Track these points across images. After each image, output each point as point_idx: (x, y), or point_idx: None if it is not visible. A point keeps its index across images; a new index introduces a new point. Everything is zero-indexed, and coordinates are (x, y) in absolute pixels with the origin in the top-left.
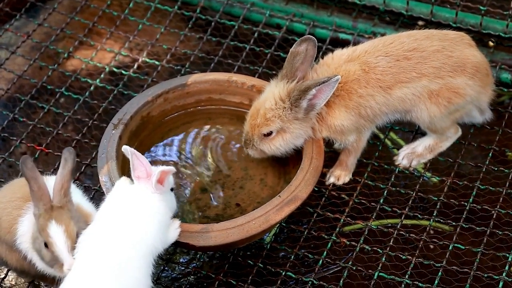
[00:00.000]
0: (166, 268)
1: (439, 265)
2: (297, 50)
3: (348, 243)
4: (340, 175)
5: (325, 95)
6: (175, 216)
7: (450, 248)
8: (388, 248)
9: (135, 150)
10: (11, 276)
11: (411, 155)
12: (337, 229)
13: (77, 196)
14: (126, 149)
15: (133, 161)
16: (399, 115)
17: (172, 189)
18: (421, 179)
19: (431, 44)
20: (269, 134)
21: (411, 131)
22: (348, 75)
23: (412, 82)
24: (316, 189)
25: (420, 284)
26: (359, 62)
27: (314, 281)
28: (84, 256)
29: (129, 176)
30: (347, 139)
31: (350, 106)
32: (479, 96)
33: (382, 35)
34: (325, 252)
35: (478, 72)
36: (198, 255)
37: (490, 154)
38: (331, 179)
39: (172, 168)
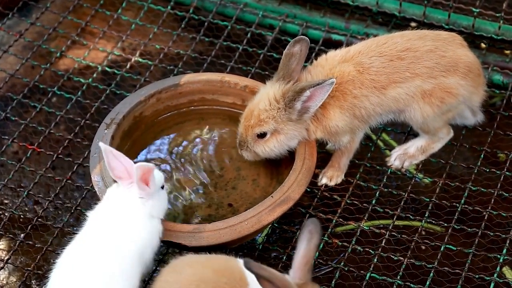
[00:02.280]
0: (158, 269)
1: (430, 266)
2: (292, 51)
3: (340, 243)
4: (332, 176)
5: (319, 98)
6: (168, 217)
7: (442, 249)
8: (380, 249)
9: (111, 148)
10: (2, 275)
11: (403, 156)
12: (329, 229)
13: None
14: (101, 146)
15: (109, 160)
16: (392, 115)
17: (162, 187)
18: (413, 180)
19: (424, 44)
20: (263, 135)
21: (403, 132)
22: (343, 76)
23: (405, 82)
24: (308, 189)
25: (411, 285)
26: (353, 63)
27: None
28: (70, 267)
29: None
30: (341, 140)
31: (345, 107)
32: (471, 97)
33: (375, 36)
34: (317, 253)
35: (471, 72)
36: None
37: (482, 156)
38: (323, 180)
39: (151, 165)
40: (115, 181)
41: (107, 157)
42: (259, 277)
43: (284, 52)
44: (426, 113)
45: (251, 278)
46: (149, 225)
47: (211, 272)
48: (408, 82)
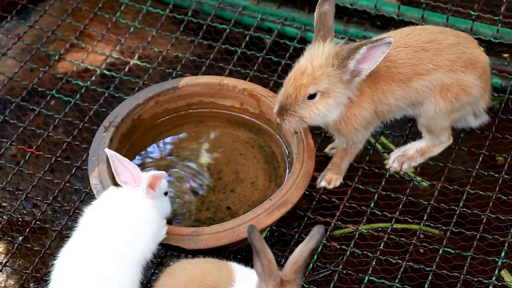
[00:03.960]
0: (156, 272)
1: (429, 269)
2: (323, 10)
3: (338, 247)
4: (331, 179)
5: (374, 60)
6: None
7: (440, 252)
8: (378, 252)
9: (116, 154)
10: (1, 278)
11: (402, 158)
12: (328, 233)
13: None
14: (107, 152)
15: (115, 165)
16: (410, 109)
17: (166, 193)
18: (411, 183)
19: (446, 38)
20: (313, 96)
21: (402, 136)
22: (377, 70)
23: (428, 75)
24: (307, 192)
25: None
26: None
27: (305, 285)
28: (68, 268)
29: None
30: (356, 136)
31: (375, 99)
32: (480, 100)
33: None
34: (315, 256)
35: (485, 73)
36: (188, 258)
37: (480, 159)
38: (322, 183)
39: (163, 173)
40: (118, 185)
41: (113, 162)
42: (253, 248)
43: (316, 12)
44: (439, 108)
45: (238, 277)
46: (153, 224)
47: (200, 272)
48: (430, 75)
